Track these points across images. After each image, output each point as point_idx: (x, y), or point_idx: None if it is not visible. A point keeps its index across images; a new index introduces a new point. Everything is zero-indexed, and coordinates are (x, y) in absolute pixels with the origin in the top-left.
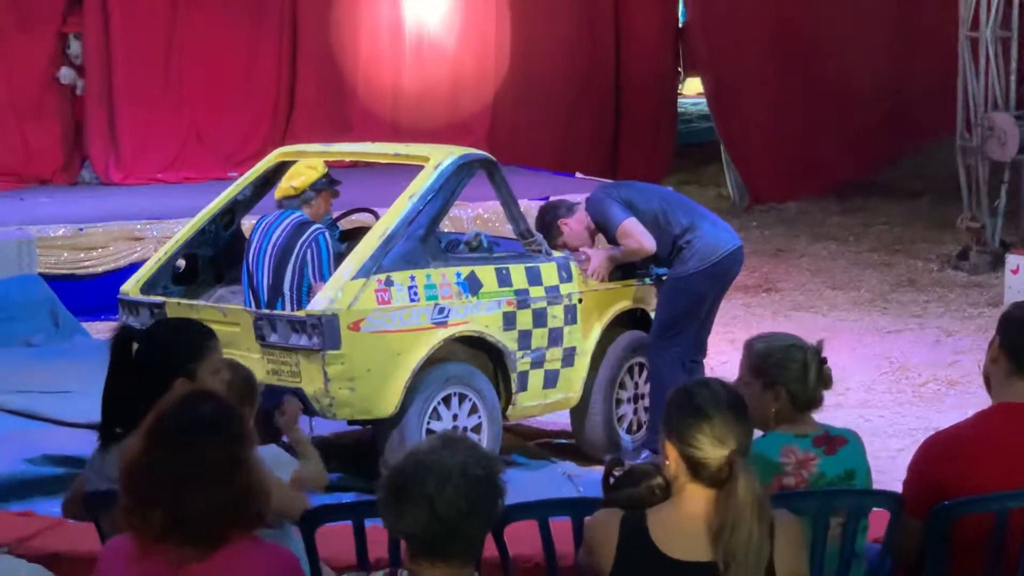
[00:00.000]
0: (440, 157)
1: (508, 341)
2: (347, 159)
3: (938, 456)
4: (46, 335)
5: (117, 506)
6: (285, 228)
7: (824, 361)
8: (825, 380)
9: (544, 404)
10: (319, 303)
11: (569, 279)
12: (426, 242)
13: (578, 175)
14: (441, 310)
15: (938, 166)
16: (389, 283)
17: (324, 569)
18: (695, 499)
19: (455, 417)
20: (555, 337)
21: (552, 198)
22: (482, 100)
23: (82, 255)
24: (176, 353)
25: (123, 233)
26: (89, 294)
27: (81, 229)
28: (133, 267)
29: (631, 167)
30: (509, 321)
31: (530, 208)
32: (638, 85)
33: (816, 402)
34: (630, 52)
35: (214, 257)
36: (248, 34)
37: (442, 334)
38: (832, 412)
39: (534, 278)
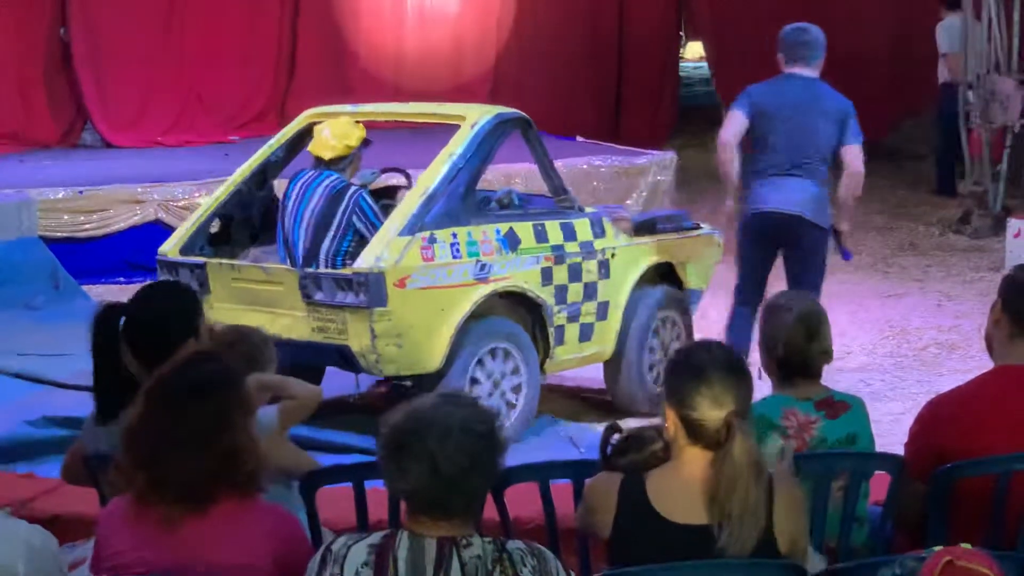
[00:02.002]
0: (476, 116)
1: (546, 296)
2: (380, 119)
3: (940, 419)
4: (46, 298)
5: (113, 466)
6: (323, 193)
7: (816, 325)
8: (821, 347)
9: (580, 357)
10: (365, 260)
11: (602, 234)
12: (466, 200)
13: (579, 138)
14: (483, 266)
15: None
16: (432, 240)
17: (324, 531)
18: (694, 462)
19: (493, 375)
20: (590, 291)
21: None
22: (484, 63)
23: (82, 218)
24: (178, 318)
25: (123, 196)
26: (90, 257)
27: (81, 192)
28: (134, 230)
29: (633, 131)
30: (547, 276)
31: (532, 172)
32: (640, 49)
33: (808, 366)
34: (632, 16)
35: (247, 218)
36: None
37: (484, 290)
38: (833, 376)
39: (569, 234)
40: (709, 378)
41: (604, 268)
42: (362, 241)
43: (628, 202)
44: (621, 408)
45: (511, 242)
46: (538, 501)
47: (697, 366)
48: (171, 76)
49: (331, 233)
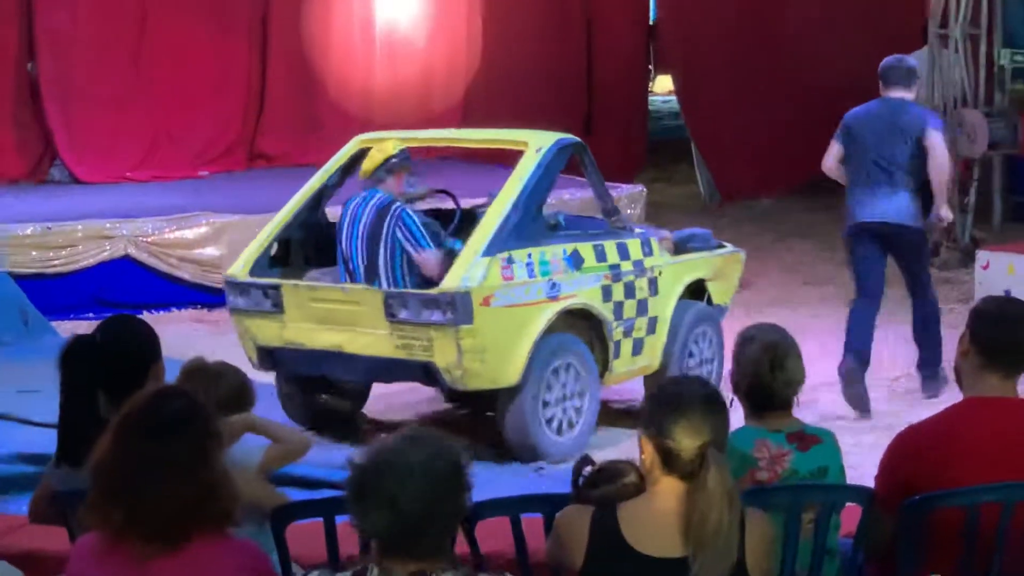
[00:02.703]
0: (540, 141)
1: (606, 312)
2: (439, 144)
3: (910, 451)
4: (15, 334)
5: (82, 503)
6: (370, 211)
7: (782, 357)
8: (786, 378)
9: (632, 370)
10: (451, 280)
11: (651, 253)
12: (536, 222)
13: None
14: (553, 285)
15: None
16: (510, 260)
17: (294, 567)
18: (668, 493)
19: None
20: (642, 307)
21: None
22: (453, 97)
23: (51, 254)
24: (148, 344)
25: (92, 232)
26: (59, 293)
27: (49, 228)
28: (103, 266)
29: (603, 164)
30: (606, 294)
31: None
32: (609, 83)
33: (772, 397)
34: (601, 50)
35: (304, 241)
36: (218, 31)
37: (556, 307)
38: (806, 408)
39: (624, 253)
40: (686, 409)
41: (653, 285)
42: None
43: None
44: None
45: (575, 262)
46: (509, 536)
47: (676, 397)
48: (140, 111)
49: (382, 248)
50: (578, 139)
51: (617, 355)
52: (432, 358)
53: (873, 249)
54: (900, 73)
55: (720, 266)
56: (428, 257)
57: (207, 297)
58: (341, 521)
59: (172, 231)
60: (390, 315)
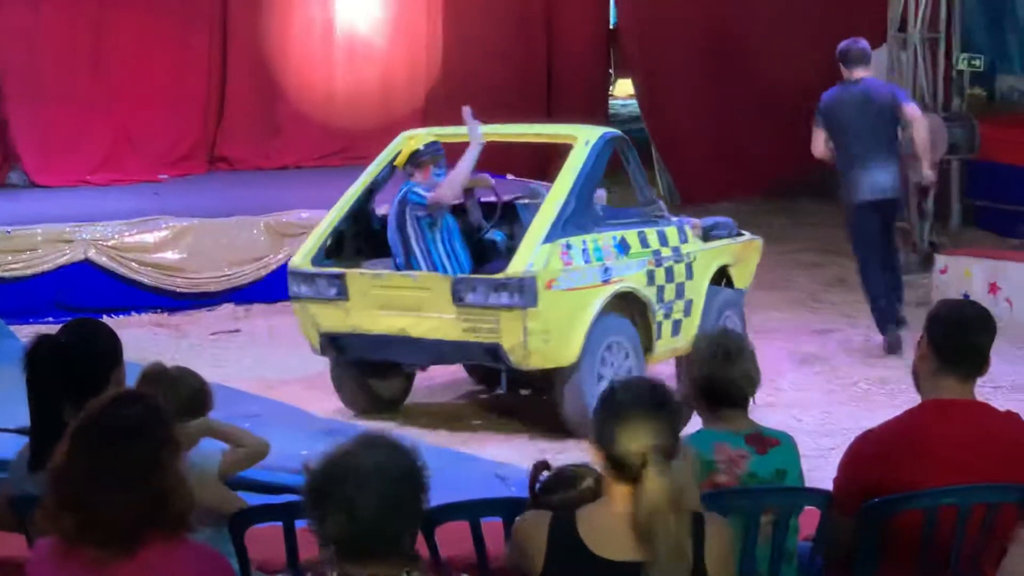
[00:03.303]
0: (587, 135)
1: (650, 295)
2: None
3: (868, 454)
4: None
5: (38, 508)
6: (395, 204)
7: (735, 351)
8: (741, 371)
9: (670, 350)
10: (517, 266)
11: (686, 240)
12: (588, 210)
13: (510, 176)
14: (606, 270)
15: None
16: (569, 247)
17: (254, 572)
18: (620, 498)
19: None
20: (680, 291)
21: None
22: (414, 102)
23: (10, 258)
24: (112, 349)
25: (51, 236)
26: (18, 297)
27: (8, 231)
28: (62, 270)
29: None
30: (650, 278)
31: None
32: (570, 87)
33: (729, 392)
34: (562, 54)
35: (357, 233)
36: (178, 34)
37: (608, 291)
38: (764, 412)
39: (663, 240)
40: (628, 413)
41: (689, 270)
42: (433, 226)
43: None
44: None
45: (624, 248)
46: (469, 540)
47: (617, 402)
48: (99, 115)
49: (411, 234)
50: (619, 132)
51: (659, 336)
52: (499, 339)
53: (878, 223)
54: (859, 53)
55: (741, 252)
56: (439, 191)
57: (167, 301)
58: (300, 526)
59: (132, 235)
60: (457, 299)
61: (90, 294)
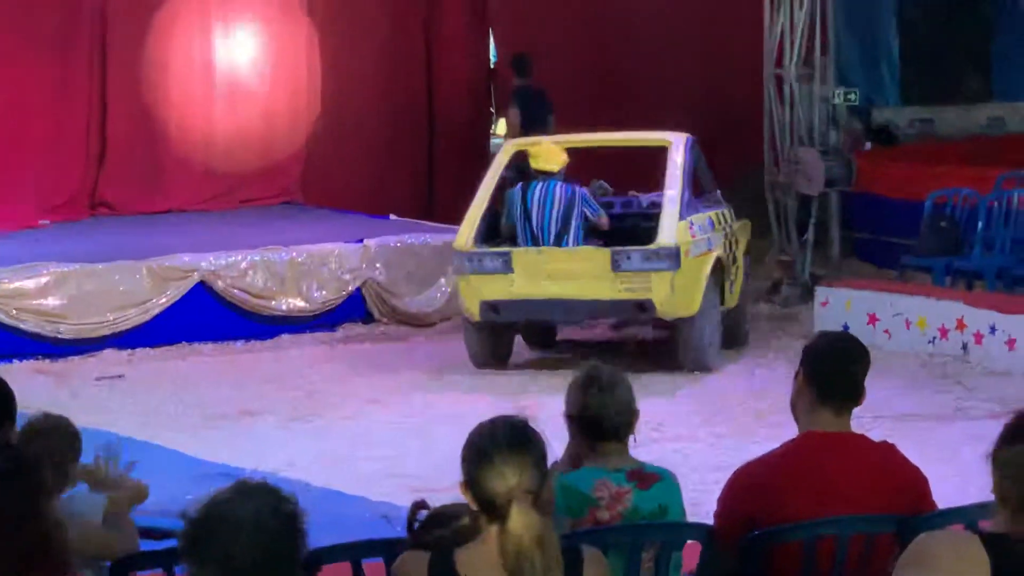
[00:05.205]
0: (677, 139)
1: (727, 260)
2: (586, 145)
3: (746, 487)
4: None
5: None
6: (561, 194)
7: (609, 384)
8: (616, 404)
9: (731, 304)
10: (665, 238)
11: (733, 220)
12: (690, 196)
13: (392, 217)
14: (709, 241)
15: (748, 199)
16: (692, 224)
17: None
18: (491, 537)
19: None
20: (734, 258)
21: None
22: (295, 142)
23: None
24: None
25: None
26: None
27: None
28: None
29: (447, 208)
30: (726, 247)
31: (345, 250)
32: (451, 125)
33: (602, 424)
34: (443, 93)
35: (489, 223)
36: (56, 77)
37: (713, 256)
38: (648, 448)
39: (724, 219)
40: (492, 455)
41: (736, 242)
42: (586, 222)
43: (438, 283)
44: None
45: (713, 224)
46: None
47: (482, 443)
48: None
49: (573, 220)
50: (692, 136)
51: (731, 291)
52: (650, 295)
53: None
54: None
55: (744, 229)
56: (603, 218)
57: (48, 348)
58: (181, 573)
59: (12, 281)
60: (615, 266)
61: None
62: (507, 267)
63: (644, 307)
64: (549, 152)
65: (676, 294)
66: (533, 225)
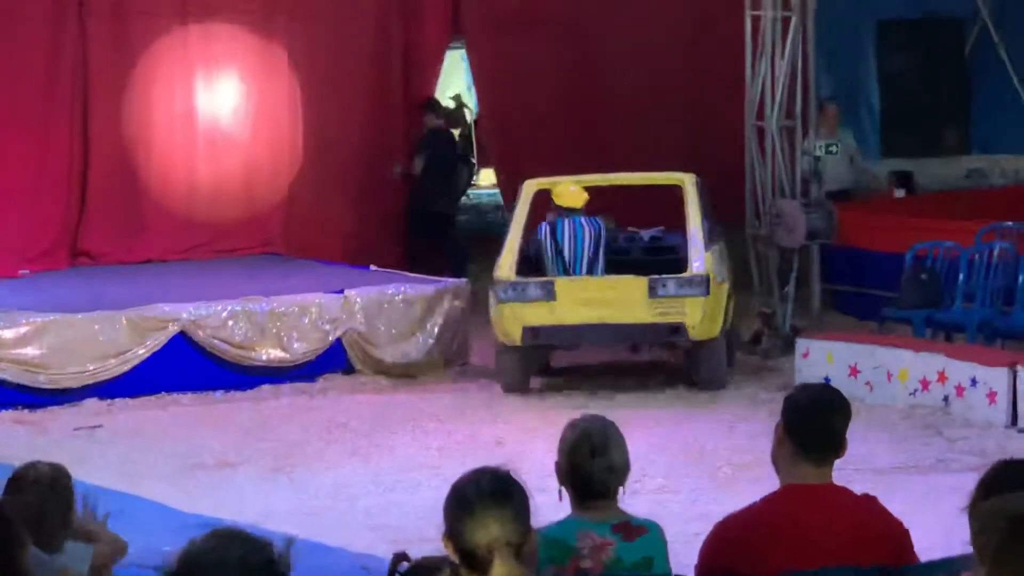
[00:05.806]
0: (687, 178)
1: (729, 286)
2: (602, 184)
3: (727, 539)
4: None
5: None
6: (590, 228)
7: (602, 444)
8: (607, 464)
9: (726, 327)
10: (696, 267)
11: (725, 252)
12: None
13: (373, 268)
14: (720, 271)
15: (730, 252)
16: (712, 254)
17: None
18: None
19: None
20: (729, 286)
21: None
22: (277, 193)
23: None
24: None
25: None
26: None
27: None
28: None
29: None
30: (727, 276)
31: (326, 300)
32: None
33: (591, 484)
34: None
35: (522, 256)
36: (37, 127)
37: (727, 285)
38: (630, 499)
39: (724, 251)
40: (472, 507)
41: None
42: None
43: (418, 334)
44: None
45: (723, 257)
46: None
47: (462, 496)
48: None
49: (600, 251)
50: (699, 176)
51: (729, 314)
52: (684, 319)
53: None
54: None
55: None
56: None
57: (27, 397)
58: None
59: None
60: (652, 293)
61: None
62: (550, 295)
63: (677, 330)
64: (571, 192)
65: (707, 318)
66: (565, 257)
